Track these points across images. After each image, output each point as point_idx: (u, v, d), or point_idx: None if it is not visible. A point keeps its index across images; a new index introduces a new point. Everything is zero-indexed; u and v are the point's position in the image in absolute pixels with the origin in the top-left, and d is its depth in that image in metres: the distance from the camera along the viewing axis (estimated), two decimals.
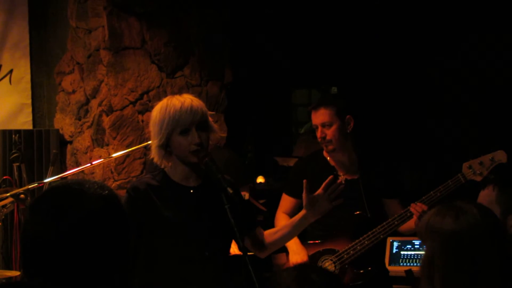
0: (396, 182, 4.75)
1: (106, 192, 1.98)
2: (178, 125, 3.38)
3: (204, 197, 3.48)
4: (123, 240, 1.98)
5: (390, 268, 5.27)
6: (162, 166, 3.50)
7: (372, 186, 4.65)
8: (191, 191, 3.48)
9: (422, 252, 5.79)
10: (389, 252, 5.71)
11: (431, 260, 2.41)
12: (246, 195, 4.46)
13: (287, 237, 3.70)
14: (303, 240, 4.73)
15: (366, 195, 4.63)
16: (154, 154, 3.48)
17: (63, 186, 2.00)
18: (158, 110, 3.44)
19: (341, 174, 4.68)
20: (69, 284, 1.88)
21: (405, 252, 5.86)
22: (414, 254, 5.83)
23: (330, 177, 3.64)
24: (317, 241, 4.71)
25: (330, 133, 4.60)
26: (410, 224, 4.53)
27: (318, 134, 4.64)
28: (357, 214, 4.61)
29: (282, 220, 4.76)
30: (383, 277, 4.83)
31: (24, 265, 1.98)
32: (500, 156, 4.41)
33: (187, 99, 3.44)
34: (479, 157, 4.43)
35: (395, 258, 5.75)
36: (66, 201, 1.94)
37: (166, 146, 3.42)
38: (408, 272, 5.53)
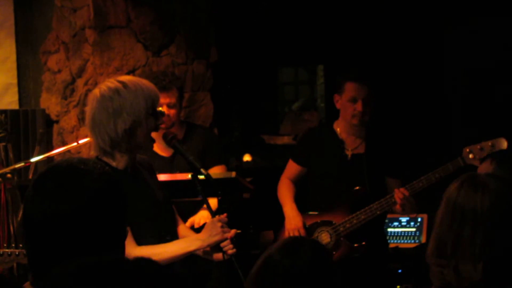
0: (400, 163, 4.81)
1: (108, 171, 2.03)
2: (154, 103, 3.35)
3: (148, 183, 3.47)
4: (123, 218, 2.03)
5: None
6: (95, 155, 3.34)
7: (376, 163, 4.71)
8: (138, 178, 3.42)
9: (409, 229, 5.84)
10: None
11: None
12: (233, 173, 4.47)
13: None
14: (304, 211, 4.77)
15: (368, 170, 4.70)
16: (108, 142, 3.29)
17: (67, 165, 2.01)
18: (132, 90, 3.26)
19: (348, 148, 4.77)
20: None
21: (392, 229, 5.89)
22: (401, 231, 5.86)
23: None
24: (315, 212, 4.75)
25: (369, 109, 4.71)
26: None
27: (358, 107, 4.69)
28: (358, 189, 4.67)
29: (285, 186, 4.84)
30: (380, 252, 4.87)
31: (26, 240, 1.99)
32: (501, 143, 4.44)
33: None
34: (479, 143, 4.47)
35: None
36: (72, 179, 1.96)
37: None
38: (395, 249, 5.57)
